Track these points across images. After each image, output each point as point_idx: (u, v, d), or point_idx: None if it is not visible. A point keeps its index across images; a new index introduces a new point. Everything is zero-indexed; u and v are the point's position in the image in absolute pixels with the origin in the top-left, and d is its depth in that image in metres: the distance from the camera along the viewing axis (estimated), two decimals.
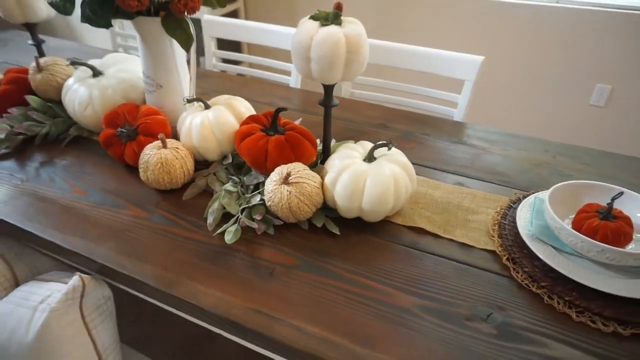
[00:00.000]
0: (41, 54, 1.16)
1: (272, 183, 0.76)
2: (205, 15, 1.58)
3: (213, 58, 1.62)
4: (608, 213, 0.68)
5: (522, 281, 0.68)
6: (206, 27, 1.57)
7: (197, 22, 1.62)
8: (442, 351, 0.59)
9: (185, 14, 0.81)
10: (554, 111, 2.27)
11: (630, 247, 0.69)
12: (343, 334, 0.61)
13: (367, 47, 0.73)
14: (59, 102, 1.04)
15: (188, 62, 0.97)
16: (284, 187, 0.74)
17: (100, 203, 0.84)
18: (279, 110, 0.83)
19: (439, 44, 1.77)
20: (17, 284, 0.82)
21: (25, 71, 1.09)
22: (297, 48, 0.73)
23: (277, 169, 0.77)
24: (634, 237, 0.69)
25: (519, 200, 0.83)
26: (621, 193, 0.69)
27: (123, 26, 2.26)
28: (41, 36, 1.21)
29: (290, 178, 0.75)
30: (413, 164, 0.81)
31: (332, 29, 0.70)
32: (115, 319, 0.82)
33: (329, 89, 0.78)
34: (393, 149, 0.80)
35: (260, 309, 0.64)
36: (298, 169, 0.77)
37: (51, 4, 0.77)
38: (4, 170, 0.94)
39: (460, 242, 0.76)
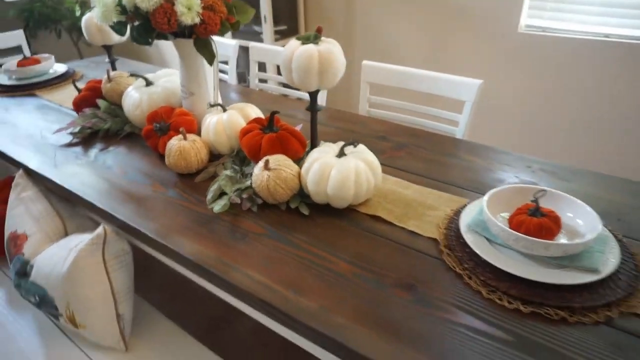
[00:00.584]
0: (114, 69, 1.47)
1: (257, 169, 0.93)
2: (252, 42, 1.84)
3: (256, 79, 1.86)
4: (536, 211, 0.76)
5: (450, 263, 0.77)
6: (252, 53, 1.81)
7: (246, 49, 1.89)
8: (357, 303, 0.71)
9: (207, 35, 1.03)
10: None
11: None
12: (282, 284, 0.75)
13: (339, 61, 0.90)
14: (120, 106, 1.32)
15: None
16: (265, 172, 0.91)
17: (133, 180, 1.07)
18: (274, 113, 1.01)
19: (480, 72, 1.90)
20: (66, 235, 1.06)
21: (100, 82, 1.39)
22: (283, 61, 0.91)
23: (264, 158, 0.95)
24: (560, 233, 0.76)
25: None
26: (544, 192, 0.76)
27: None
28: (115, 56, 1.53)
29: (270, 165, 0.91)
30: (397, 169, 0.94)
31: (309, 46, 0.87)
32: (132, 272, 1.02)
33: (313, 96, 0.95)
34: (365, 150, 0.94)
35: (225, 261, 0.80)
36: (279, 159, 0.93)
37: (111, 27, 1.03)
38: (72, 153, 1.21)
39: (410, 230, 0.87)
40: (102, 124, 1.29)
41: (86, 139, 1.29)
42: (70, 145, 1.26)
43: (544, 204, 0.80)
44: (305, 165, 0.92)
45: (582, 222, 0.79)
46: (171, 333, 1.06)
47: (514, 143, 2.45)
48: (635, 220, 0.87)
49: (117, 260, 0.96)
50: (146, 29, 1.00)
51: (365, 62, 1.52)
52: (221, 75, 1.94)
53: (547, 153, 2.43)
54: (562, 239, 0.77)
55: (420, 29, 2.50)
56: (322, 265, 0.79)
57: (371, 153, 0.95)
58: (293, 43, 0.90)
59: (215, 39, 1.11)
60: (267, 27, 2.61)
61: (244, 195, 0.94)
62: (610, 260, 0.72)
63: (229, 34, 2.29)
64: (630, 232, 0.84)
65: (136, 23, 1.02)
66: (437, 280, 0.75)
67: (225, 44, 1.86)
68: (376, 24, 2.66)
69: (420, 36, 2.54)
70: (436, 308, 0.70)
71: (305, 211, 0.92)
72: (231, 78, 1.92)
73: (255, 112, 1.14)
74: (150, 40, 1.01)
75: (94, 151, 1.22)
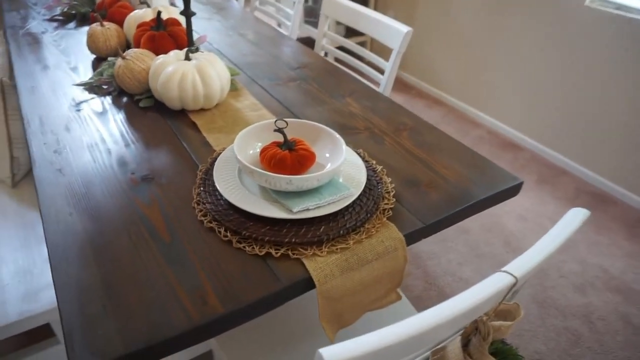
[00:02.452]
0: None
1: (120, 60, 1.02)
2: None
3: (324, 39, 1.55)
4: (285, 145, 0.73)
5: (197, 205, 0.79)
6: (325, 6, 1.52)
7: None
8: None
9: None
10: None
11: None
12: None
13: None
14: None
15: None
16: (120, 60, 0.99)
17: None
18: (159, 12, 1.07)
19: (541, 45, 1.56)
20: None
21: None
22: None
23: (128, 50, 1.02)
24: (311, 169, 0.73)
25: None
26: (283, 121, 0.72)
27: None
28: None
29: (126, 55, 0.99)
30: (272, 96, 0.95)
31: None
32: None
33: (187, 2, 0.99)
34: (214, 61, 0.96)
35: None
36: (138, 52, 1.00)
37: None
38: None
39: (205, 142, 0.89)
40: (79, 8, 1.47)
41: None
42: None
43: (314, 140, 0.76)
44: (155, 62, 0.98)
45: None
46: None
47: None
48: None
49: (16, 112, 1.15)
50: None
51: None
52: None
53: (604, 135, 2.11)
54: None
55: None
56: (109, 140, 0.87)
57: (220, 66, 0.96)
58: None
59: None
60: None
61: (105, 79, 1.04)
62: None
63: None
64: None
65: None
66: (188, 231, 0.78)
67: None
68: None
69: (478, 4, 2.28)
70: (183, 261, 0.74)
71: (143, 103, 0.99)
72: None
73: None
74: None
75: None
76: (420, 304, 1.46)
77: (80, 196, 0.73)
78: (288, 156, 0.71)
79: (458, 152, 0.91)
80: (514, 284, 0.46)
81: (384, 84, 1.25)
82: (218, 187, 0.71)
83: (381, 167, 0.84)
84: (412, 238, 0.71)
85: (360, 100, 1.09)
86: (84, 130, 0.90)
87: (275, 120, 0.72)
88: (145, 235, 0.66)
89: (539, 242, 0.50)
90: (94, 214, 0.69)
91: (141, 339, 0.52)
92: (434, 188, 0.80)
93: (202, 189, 0.74)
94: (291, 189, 0.67)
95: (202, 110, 0.99)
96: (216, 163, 0.76)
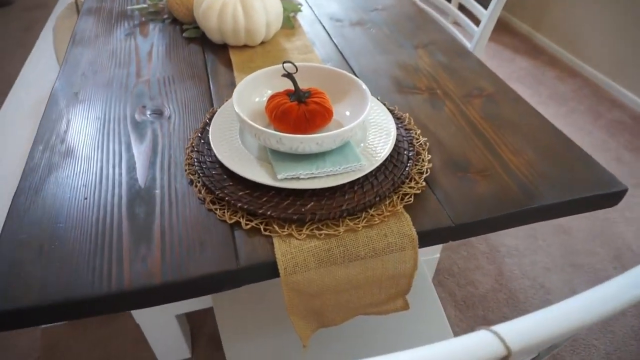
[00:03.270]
0: None
1: None
2: None
3: None
4: (295, 95, 0.59)
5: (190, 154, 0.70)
6: None
7: None
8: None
9: None
10: None
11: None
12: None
13: None
14: None
15: None
16: None
17: None
18: None
19: None
20: None
21: None
22: None
23: None
24: (325, 130, 0.58)
25: None
26: (291, 64, 0.57)
27: None
28: None
29: None
30: (331, 39, 0.82)
31: None
32: None
33: None
34: None
35: None
36: None
37: None
38: None
39: (233, 82, 0.78)
40: None
41: None
42: None
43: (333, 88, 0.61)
44: None
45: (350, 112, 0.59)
46: None
47: None
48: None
49: None
50: None
51: None
52: None
53: None
54: None
55: None
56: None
57: (275, 2, 0.84)
58: None
59: None
60: None
61: (161, 4, 0.98)
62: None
63: None
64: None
65: None
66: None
67: None
68: None
69: None
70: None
71: (187, 33, 0.91)
72: None
73: None
74: None
75: None
76: (484, 305, 1.25)
77: (78, 111, 0.69)
78: (294, 109, 0.58)
79: (541, 134, 0.68)
80: (505, 358, 0.28)
81: (476, 37, 1.00)
82: (210, 136, 0.60)
83: (425, 139, 0.66)
84: (431, 238, 0.54)
85: (434, 54, 0.88)
86: (118, 57, 0.86)
87: (283, 62, 0.58)
88: (122, 171, 0.59)
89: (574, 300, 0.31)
90: (86, 131, 0.65)
91: (59, 294, 0.46)
92: (486, 177, 0.60)
93: (199, 134, 0.64)
94: (283, 149, 0.54)
95: (246, 47, 0.88)
96: (221, 108, 0.65)
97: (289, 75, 0.58)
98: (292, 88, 0.61)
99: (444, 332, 0.69)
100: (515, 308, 1.25)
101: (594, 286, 0.32)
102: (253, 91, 0.63)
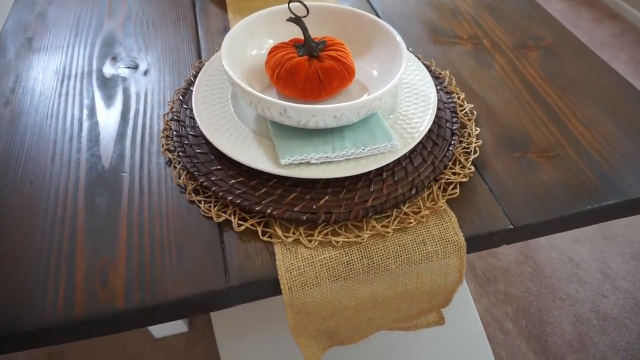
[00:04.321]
0: None
1: None
2: None
3: None
4: (305, 47, 0.44)
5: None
6: None
7: None
8: None
9: None
10: None
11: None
12: None
13: None
14: None
15: None
16: None
17: None
18: None
19: None
20: None
21: None
22: None
23: None
24: (343, 95, 0.44)
25: None
26: (305, 7, 0.42)
27: None
28: None
29: None
30: None
31: None
32: None
33: None
34: None
35: None
36: None
37: None
38: None
39: (226, 28, 0.63)
40: None
41: None
42: None
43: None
44: None
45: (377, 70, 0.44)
46: None
47: None
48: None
49: None
50: None
51: None
52: None
53: None
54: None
55: None
56: None
57: None
58: None
59: None
60: None
61: None
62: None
63: None
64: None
65: None
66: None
67: None
68: None
69: None
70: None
71: None
72: None
73: None
74: None
75: None
76: (506, 278, 1.15)
77: (32, 62, 0.55)
78: (304, 66, 0.43)
79: (619, 99, 0.53)
80: None
81: None
82: (194, 101, 0.46)
83: (471, 106, 0.51)
84: (480, 243, 0.41)
85: None
86: None
87: (289, 2, 0.42)
88: (81, 145, 0.46)
89: None
90: (39, 90, 0.51)
91: None
92: (552, 159, 0.46)
93: (181, 97, 0.50)
94: (288, 122, 0.40)
95: None
96: (209, 62, 0.50)
97: (296, 20, 0.43)
98: (301, 37, 0.46)
99: (480, 350, 0.58)
100: (541, 282, 1.15)
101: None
102: (249, 40, 0.48)
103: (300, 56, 0.44)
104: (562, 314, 1.09)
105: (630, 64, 1.76)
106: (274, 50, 0.45)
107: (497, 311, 1.09)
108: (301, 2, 0.42)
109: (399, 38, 0.45)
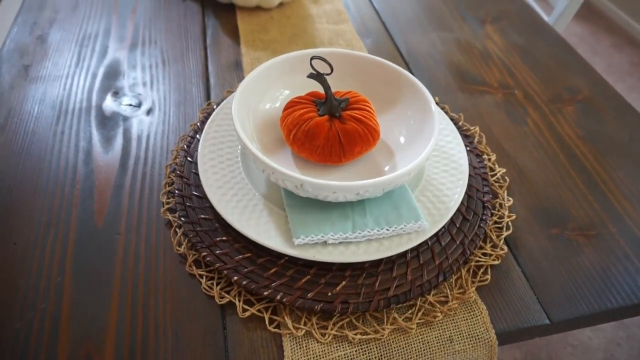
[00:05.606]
0: None
1: None
2: None
3: None
4: (326, 105, 0.39)
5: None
6: None
7: None
8: None
9: None
10: None
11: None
12: None
13: None
14: None
15: None
16: None
17: None
18: None
19: None
20: None
21: None
22: None
23: None
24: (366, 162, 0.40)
25: None
26: (328, 65, 0.37)
27: None
28: None
29: None
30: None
31: None
32: None
33: None
34: None
35: None
36: None
37: None
38: None
39: (238, 62, 0.58)
40: None
41: None
42: None
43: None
44: None
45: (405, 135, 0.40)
46: None
47: None
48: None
49: None
50: None
51: None
52: None
53: None
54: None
55: None
56: None
57: None
58: None
59: None
60: None
61: None
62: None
63: None
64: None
65: None
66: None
67: None
68: None
69: None
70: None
71: None
72: None
73: None
74: None
75: None
76: None
77: (27, 94, 0.50)
78: (324, 127, 0.38)
79: None
80: None
81: (560, 9, 0.77)
82: (200, 157, 0.42)
83: (504, 170, 0.46)
84: (513, 338, 0.37)
85: (508, 31, 0.67)
86: (87, 10, 0.66)
87: (312, 58, 0.38)
88: (74, 197, 0.42)
89: None
90: (32, 128, 0.47)
91: None
92: (592, 239, 0.42)
93: (186, 147, 0.46)
94: (304, 195, 0.36)
95: (259, 9, 0.67)
96: (218, 109, 0.46)
97: (318, 77, 0.38)
98: (320, 90, 0.41)
99: None
100: None
101: None
102: (264, 94, 0.43)
103: (320, 116, 0.39)
104: None
105: None
106: (291, 105, 0.41)
107: (505, 356, 1.04)
108: (325, 60, 0.37)
109: (430, 99, 0.40)
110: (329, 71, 0.38)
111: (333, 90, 0.41)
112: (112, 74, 0.56)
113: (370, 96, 0.43)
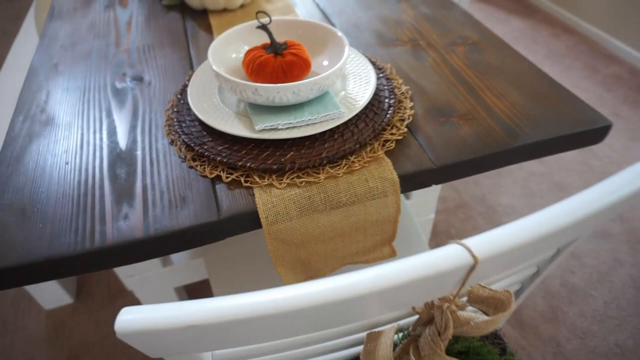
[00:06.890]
0: None
1: None
2: None
3: None
4: (271, 48, 0.58)
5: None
6: None
7: None
8: None
9: None
10: None
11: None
12: None
13: None
14: None
15: None
16: None
17: None
18: None
19: None
20: None
21: None
22: None
23: None
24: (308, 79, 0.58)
25: None
26: (268, 17, 0.56)
27: None
28: None
29: None
30: None
31: None
32: None
33: None
34: None
35: None
36: None
37: None
38: None
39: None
40: None
41: None
42: None
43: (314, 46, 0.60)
44: None
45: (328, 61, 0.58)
46: None
47: None
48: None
49: None
50: None
51: None
52: None
53: None
54: None
55: None
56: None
57: None
58: None
59: None
60: None
61: None
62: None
63: None
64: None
65: None
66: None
67: None
68: None
69: None
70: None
71: (165, 1, 0.90)
72: None
73: None
74: None
75: None
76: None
77: (58, 82, 0.68)
78: (271, 61, 0.57)
79: (526, 78, 0.67)
80: (473, 267, 0.28)
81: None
82: (189, 95, 0.60)
83: (407, 87, 0.65)
84: (413, 181, 0.54)
85: (419, 7, 0.87)
86: (97, 28, 0.85)
87: (257, 13, 0.57)
88: (103, 135, 0.59)
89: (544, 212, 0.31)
90: (66, 100, 0.64)
91: (41, 253, 0.46)
92: (469, 121, 0.59)
93: (179, 95, 0.64)
94: (260, 101, 0.53)
95: (225, 11, 0.87)
96: (199, 68, 0.64)
97: (263, 27, 0.57)
98: (269, 42, 0.60)
99: None
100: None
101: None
102: (229, 47, 0.62)
103: (267, 54, 0.58)
104: (534, 289, 1.19)
105: (584, 70, 1.93)
106: (248, 52, 0.59)
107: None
108: (266, 13, 0.56)
109: (341, 35, 0.59)
110: (269, 21, 0.57)
111: (277, 41, 0.59)
112: (119, 65, 0.75)
113: (305, 43, 0.62)
